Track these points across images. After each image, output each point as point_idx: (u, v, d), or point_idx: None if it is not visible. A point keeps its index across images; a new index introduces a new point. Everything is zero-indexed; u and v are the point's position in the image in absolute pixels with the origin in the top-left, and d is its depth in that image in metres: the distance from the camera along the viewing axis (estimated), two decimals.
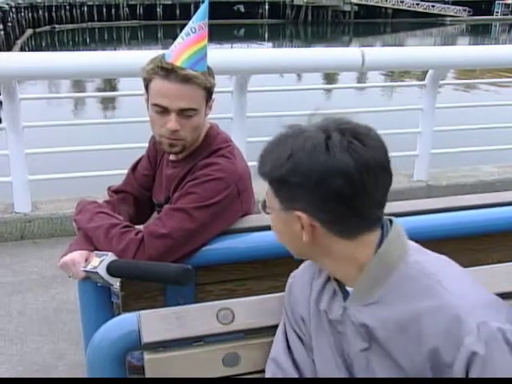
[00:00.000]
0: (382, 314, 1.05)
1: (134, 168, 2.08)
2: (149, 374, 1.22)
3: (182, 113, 1.74)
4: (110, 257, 1.58)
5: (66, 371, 2.52)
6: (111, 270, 1.56)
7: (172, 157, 1.91)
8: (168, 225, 1.68)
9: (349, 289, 1.11)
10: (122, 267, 1.59)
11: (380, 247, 1.07)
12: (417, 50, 4.82)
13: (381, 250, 1.06)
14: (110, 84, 15.00)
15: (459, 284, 1.03)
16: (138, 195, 2.04)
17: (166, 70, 1.70)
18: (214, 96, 1.83)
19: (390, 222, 1.12)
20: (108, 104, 13.65)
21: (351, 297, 1.10)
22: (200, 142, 1.85)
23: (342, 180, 0.98)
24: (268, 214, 1.13)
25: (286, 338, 1.23)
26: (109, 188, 2.07)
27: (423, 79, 4.61)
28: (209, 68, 1.78)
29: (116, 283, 1.59)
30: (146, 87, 1.78)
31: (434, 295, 1.00)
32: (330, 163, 0.98)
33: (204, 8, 1.74)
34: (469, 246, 1.85)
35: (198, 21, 1.73)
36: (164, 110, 1.74)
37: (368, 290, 1.07)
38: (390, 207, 1.90)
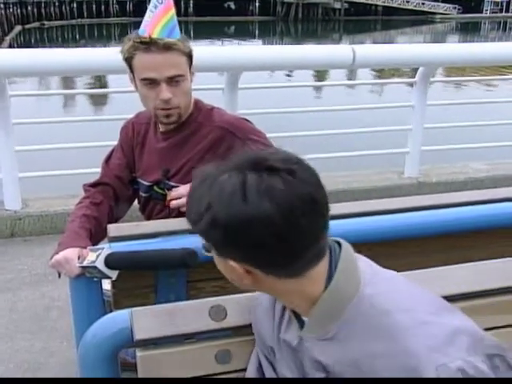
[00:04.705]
0: (335, 352, 1.00)
1: (108, 160, 2.07)
2: (141, 371, 1.22)
3: (171, 81, 1.79)
4: (107, 250, 1.57)
5: (57, 369, 2.51)
6: (110, 262, 1.55)
7: (163, 129, 1.95)
8: None
9: (304, 318, 1.05)
10: (122, 258, 1.58)
11: (330, 279, 0.99)
12: (407, 48, 4.82)
13: (331, 286, 0.99)
14: (100, 81, 14.94)
15: (412, 314, 0.95)
16: (115, 187, 2.01)
17: (146, 43, 1.75)
18: (193, 62, 1.88)
19: (338, 243, 1.04)
20: (99, 101, 13.58)
21: (306, 328, 1.04)
22: (192, 110, 1.93)
23: (265, 229, 0.90)
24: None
25: (258, 359, 1.23)
26: (84, 185, 2.02)
27: (413, 77, 4.63)
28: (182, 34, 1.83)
29: (114, 276, 1.59)
30: (130, 66, 1.82)
31: (388, 337, 0.93)
32: (249, 213, 0.89)
33: None
34: (458, 243, 1.86)
35: None
36: (153, 82, 1.79)
37: (322, 325, 1.01)
38: (380, 204, 1.92)
